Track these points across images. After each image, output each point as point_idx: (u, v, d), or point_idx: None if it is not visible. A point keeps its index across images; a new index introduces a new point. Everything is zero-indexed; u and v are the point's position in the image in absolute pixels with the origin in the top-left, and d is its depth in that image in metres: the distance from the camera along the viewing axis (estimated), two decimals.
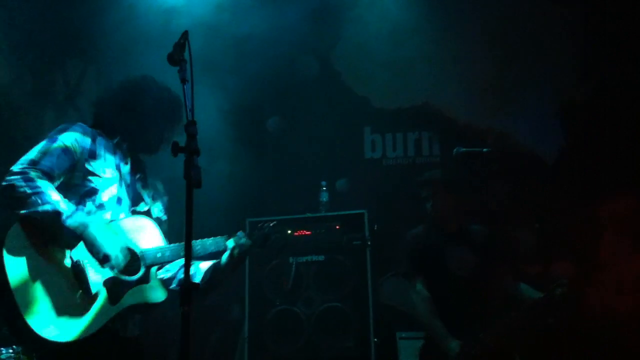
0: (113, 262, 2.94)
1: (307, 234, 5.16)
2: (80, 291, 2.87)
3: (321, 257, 5.16)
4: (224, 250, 3.31)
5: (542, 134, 5.58)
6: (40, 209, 2.83)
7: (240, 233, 3.34)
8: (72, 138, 3.07)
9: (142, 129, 3.27)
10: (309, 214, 5.32)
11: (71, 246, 2.93)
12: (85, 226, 2.91)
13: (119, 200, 3.19)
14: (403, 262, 4.57)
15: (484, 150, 4.27)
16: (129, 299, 3.01)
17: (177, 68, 2.68)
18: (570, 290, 4.03)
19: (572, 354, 4.53)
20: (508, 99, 5.75)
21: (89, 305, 2.89)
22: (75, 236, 2.89)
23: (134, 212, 3.27)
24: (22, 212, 2.84)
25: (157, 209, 3.41)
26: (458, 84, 5.74)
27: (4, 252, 2.78)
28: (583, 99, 5.53)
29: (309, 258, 5.16)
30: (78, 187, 3.07)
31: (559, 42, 5.63)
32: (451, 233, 4.47)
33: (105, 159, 3.17)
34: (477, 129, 5.62)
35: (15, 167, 2.90)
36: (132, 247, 3.09)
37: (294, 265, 5.12)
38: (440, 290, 4.33)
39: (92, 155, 3.11)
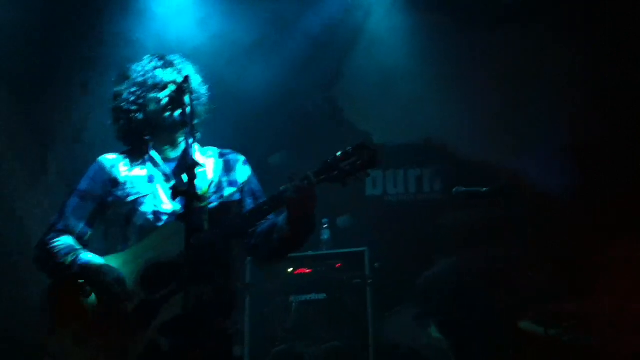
0: (121, 285, 2.68)
1: (308, 272, 5.13)
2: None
3: (322, 296, 5.11)
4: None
5: (553, 169, 5.49)
6: (48, 270, 2.82)
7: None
8: (87, 179, 2.94)
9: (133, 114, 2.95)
10: (310, 252, 5.29)
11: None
12: (75, 252, 2.77)
13: (157, 215, 2.84)
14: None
15: (483, 189, 4.20)
16: (164, 316, 2.64)
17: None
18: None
19: None
20: (517, 135, 5.72)
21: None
22: (72, 273, 2.72)
23: (179, 217, 2.80)
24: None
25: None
26: (464, 120, 5.74)
27: None
28: (597, 136, 5.43)
29: (309, 297, 5.11)
30: (114, 223, 2.89)
31: (567, 77, 5.59)
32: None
33: (130, 180, 2.89)
34: (488, 168, 5.58)
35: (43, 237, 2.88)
36: (157, 260, 2.72)
37: (294, 304, 5.08)
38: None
39: (115, 184, 2.89)
